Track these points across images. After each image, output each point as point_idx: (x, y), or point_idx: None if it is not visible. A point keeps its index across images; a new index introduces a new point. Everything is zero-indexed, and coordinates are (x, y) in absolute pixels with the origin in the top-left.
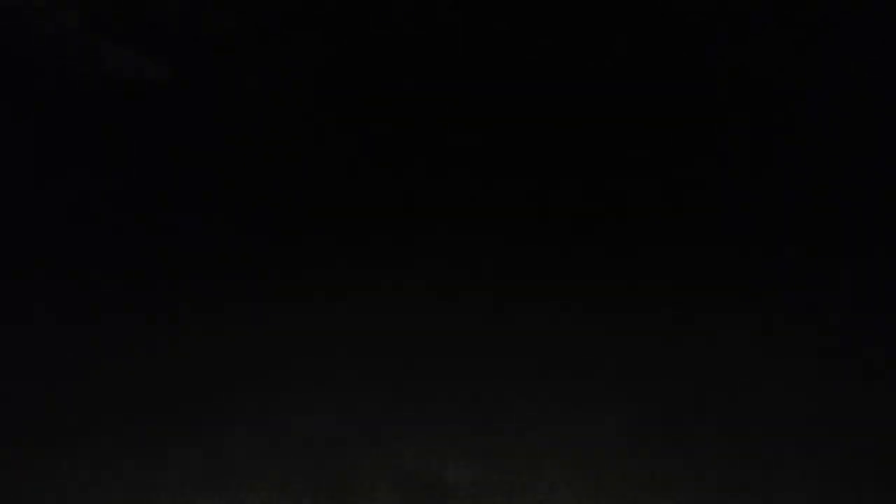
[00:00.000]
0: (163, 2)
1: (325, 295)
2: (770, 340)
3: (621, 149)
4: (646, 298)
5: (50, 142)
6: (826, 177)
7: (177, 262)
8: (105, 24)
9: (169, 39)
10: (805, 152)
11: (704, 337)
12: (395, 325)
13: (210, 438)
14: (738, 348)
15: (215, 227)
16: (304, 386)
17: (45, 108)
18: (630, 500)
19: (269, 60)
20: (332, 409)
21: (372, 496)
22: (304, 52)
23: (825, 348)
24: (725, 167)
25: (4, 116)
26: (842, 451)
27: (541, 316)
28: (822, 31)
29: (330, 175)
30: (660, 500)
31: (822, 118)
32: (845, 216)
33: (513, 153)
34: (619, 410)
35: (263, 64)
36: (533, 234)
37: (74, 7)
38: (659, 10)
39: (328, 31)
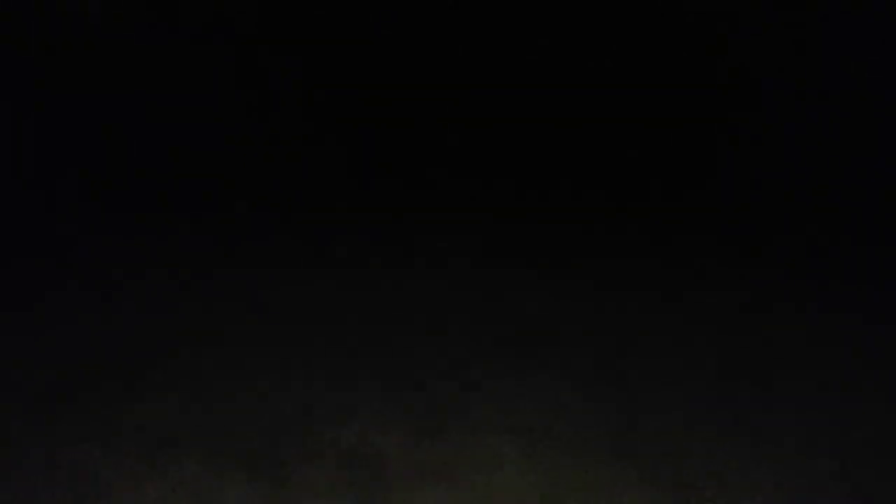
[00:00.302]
0: None
1: (270, 263)
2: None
3: (620, 149)
4: (606, 264)
5: (48, 139)
6: (825, 176)
7: (112, 226)
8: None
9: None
10: (804, 151)
11: (658, 303)
12: (336, 292)
13: (142, 406)
14: (693, 315)
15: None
16: (243, 353)
17: (45, 108)
18: (583, 472)
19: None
20: (269, 378)
21: (306, 468)
22: (299, 50)
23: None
24: (724, 166)
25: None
26: (827, 418)
27: (496, 280)
28: (822, 31)
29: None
30: (616, 470)
31: (821, 118)
32: (844, 216)
33: (509, 153)
34: (575, 377)
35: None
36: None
37: None
38: (659, 10)
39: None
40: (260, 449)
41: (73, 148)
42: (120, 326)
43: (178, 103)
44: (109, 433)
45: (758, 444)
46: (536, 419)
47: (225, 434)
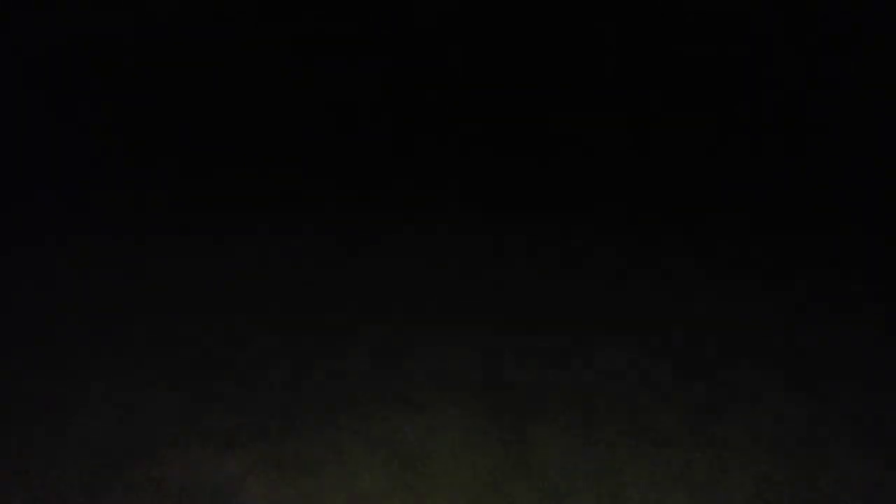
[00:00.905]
0: None
1: None
2: None
3: (620, 151)
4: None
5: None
6: (828, 177)
7: None
8: None
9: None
10: (809, 151)
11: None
12: None
13: None
14: None
15: None
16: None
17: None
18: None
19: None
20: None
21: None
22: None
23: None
24: (725, 166)
25: None
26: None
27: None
28: (825, 33)
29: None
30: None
31: (822, 118)
32: (844, 216)
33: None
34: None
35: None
36: None
37: None
38: (658, 10)
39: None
40: (74, 483)
41: (74, 148)
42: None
43: (182, 99)
44: None
45: None
46: (403, 446)
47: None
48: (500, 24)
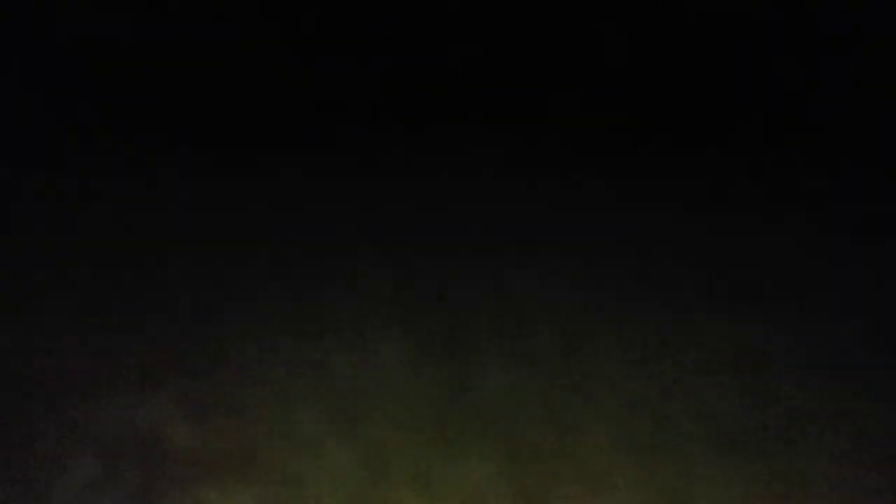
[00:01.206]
0: None
1: None
2: None
3: (619, 154)
4: None
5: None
6: (828, 177)
7: None
8: None
9: None
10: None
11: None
12: None
13: None
14: None
15: None
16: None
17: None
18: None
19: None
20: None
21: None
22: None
23: None
24: (724, 166)
25: None
26: None
27: None
28: (825, 33)
29: None
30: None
31: (822, 118)
32: (845, 216)
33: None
34: None
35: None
36: None
37: None
38: (658, 10)
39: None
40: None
41: (74, 148)
42: None
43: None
44: None
45: None
46: (337, 381)
47: None
48: (500, 24)
